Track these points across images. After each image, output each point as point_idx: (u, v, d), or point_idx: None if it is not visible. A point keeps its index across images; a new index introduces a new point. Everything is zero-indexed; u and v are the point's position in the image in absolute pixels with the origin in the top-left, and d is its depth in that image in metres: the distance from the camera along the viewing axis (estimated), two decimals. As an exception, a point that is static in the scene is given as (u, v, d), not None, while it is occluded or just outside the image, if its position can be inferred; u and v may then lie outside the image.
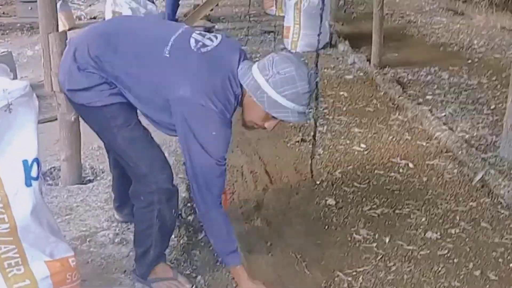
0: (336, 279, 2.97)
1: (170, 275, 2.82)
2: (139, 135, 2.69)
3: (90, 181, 3.92)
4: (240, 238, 3.29)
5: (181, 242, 3.20)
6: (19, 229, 2.32)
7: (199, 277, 2.93)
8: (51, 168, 4.03)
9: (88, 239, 3.15)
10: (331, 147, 4.57)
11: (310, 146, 4.50)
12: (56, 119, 3.82)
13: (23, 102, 2.29)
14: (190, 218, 3.47)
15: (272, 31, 8.68)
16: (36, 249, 2.38)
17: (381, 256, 3.15)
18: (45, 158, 4.14)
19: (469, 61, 7.06)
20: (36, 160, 2.36)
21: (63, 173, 3.85)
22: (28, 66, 6.74)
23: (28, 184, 2.33)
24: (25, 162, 2.34)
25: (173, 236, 3.20)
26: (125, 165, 2.74)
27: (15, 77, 5.33)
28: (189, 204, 3.62)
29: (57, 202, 3.56)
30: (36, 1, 3.59)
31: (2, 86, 2.23)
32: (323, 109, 5.37)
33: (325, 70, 6.73)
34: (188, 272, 2.95)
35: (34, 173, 2.36)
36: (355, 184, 3.95)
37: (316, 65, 3.91)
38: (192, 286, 2.84)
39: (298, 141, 4.65)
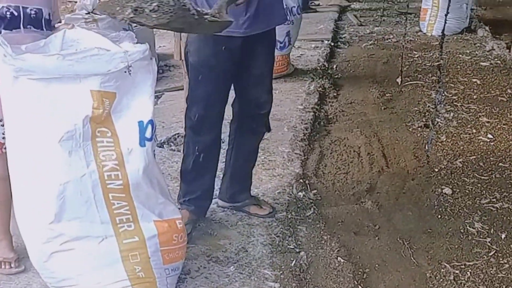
0: (442, 270, 2.87)
1: None
2: None
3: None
4: (348, 219, 3.30)
5: (289, 216, 3.22)
6: (132, 187, 2.43)
7: (302, 253, 2.94)
8: (175, 135, 4.19)
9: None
10: (455, 135, 4.38)
11: (433, 132, 4.37)
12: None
13: (142, 66, 2.41)
14: (301, 194, 3.47)
15: (408, 13, 8.42)
16: (146, 208, 2.50)
17: (494, 252, 3.00)
18: (170, 124, 4.33)
19: None
20: (151, 122, 2.46)
21: (186, 139, 3.99)
22: (167, 37, 6.99)
23: (142, 144, 2.44)
24: (140, 123, 2.44)
25: (282, 209, 3.25)
26: None
27: (154, 47, 5.57)
28: (301, 180, 3.63)
29: (176, 167, 3.69)
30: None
31: (123, 48, 2.36)
32: (452, 96, 5.16)
33: (460, 55, 6.45)
34: (291, 246, 2.97)
35: (148, 134, 2.46)
36: (476, 175, 3.77)
37: (441, 47, 3.73)
38: None
39: (421, 126, 4.51)
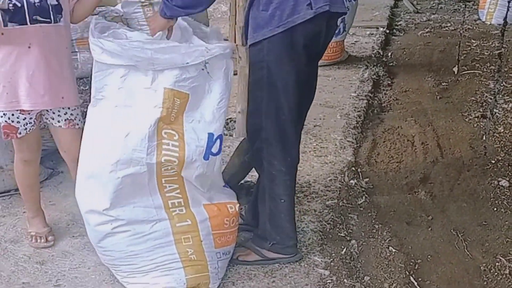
0: (497, 264, 2.81)
1: None
2: None
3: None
4: (400, 208, 3.25)
5: (340, 204, 3.20)
6: (184, 171, 2.44)
7: (353, 241, 2.91)
8: (227, 119, 4.19)
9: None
10: (512, 126, 4.27)
11: (491, 123, 4.27)
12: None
13: (219, 68, 2.36)
14: (353, 182, 3.44)
15: (467, 0, 8.22)
16: (197, 192, 2.51)
17: (552, 246, 2.92)
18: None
19: None
20: (220, 137, 2.43)
21: (238, 124, 4.00)
22: (221, 22, 7.01)
23: (206, 157, 2.41)
24: (210, 136, 2.40)
25: (333, 196, 3.23)
26: None
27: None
28: (353, 168, 3.60)
29: (229, 151, 3.70)
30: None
31: (206, 45, 2.34)
32: (511, 86, 5.01)
33: (520, 45, 6.26)
34: (342, 234, 2.95)
35: (215, 149, 2.42)
36: (537, 167, 3.67)
37: (502, 35, 3.62)
38: None
39: (477, 117, 4.40)
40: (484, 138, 3.88)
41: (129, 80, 2.34)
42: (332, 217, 3.07)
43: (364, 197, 3.33)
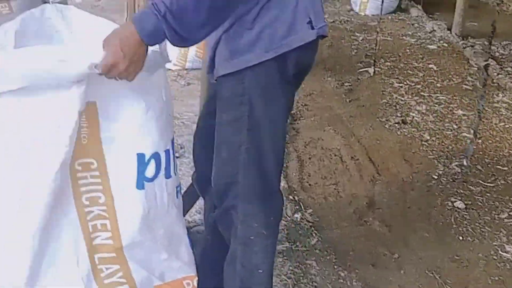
0: (490, 311, 2.41)
1: None
2: None
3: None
4: (359, 246, 2.77)
5: (293, 248, 2.64)
6: (125, 245, 1.78)
7: (322, 298, 2.37)
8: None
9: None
10: (437, 132, 3.94)
11: (413, 129, 3.92)
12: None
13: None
14: (297, 216, 2.89)
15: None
16: (145, 269, 1.84)
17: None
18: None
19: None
20: (155, 156, 1.81)
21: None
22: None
23: (139, 186, 1.79)
24: (140, 157, 1.79)
25: (283, 238, 2.67)
26: None
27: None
28: (290, 197, 3.05)
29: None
30: None
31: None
32: (415, 84, 4.74)
33: (404, 37, 6.06)
34: (308, 291, 2.40)
35: (149, 173, 1.80)
36: (481, 182, 3.34)
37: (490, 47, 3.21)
38: None
39: (398, 123, 4.03)
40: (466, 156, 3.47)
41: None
42: (290, 268, 2.51)
43: (315, 235, 2.79)
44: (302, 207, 3.00)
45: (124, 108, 1.75)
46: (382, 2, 5.26)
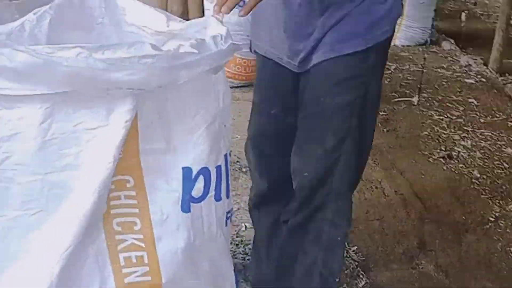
0: None
1: None
2: None
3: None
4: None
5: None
6: (164, 282, 1.40)
7: None
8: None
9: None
10: (487, 170, 3.57)
11: (461, 165, 3.56)
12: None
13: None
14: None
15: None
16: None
17: None
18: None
19: None
20: (205, 170, 1.43)
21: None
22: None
23: (185, 209, 1.40)
24: (186, 171, 1.41)
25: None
26: None
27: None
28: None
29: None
30: None
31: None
32: (456, 118, 4.39)
33: (438, 70, 5.73)
34: None
35: (196, 191, 1.42)
36: (540, 226, 2.97)
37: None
38: None
39: (443, 157, 3.66)
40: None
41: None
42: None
43: (362, 276, 2.42)
44: (346, 243, 2.62)
45: (169, 113, 1.38)
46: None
